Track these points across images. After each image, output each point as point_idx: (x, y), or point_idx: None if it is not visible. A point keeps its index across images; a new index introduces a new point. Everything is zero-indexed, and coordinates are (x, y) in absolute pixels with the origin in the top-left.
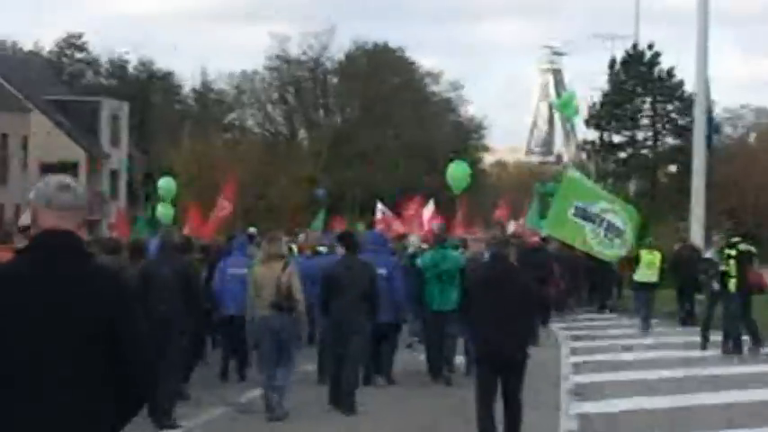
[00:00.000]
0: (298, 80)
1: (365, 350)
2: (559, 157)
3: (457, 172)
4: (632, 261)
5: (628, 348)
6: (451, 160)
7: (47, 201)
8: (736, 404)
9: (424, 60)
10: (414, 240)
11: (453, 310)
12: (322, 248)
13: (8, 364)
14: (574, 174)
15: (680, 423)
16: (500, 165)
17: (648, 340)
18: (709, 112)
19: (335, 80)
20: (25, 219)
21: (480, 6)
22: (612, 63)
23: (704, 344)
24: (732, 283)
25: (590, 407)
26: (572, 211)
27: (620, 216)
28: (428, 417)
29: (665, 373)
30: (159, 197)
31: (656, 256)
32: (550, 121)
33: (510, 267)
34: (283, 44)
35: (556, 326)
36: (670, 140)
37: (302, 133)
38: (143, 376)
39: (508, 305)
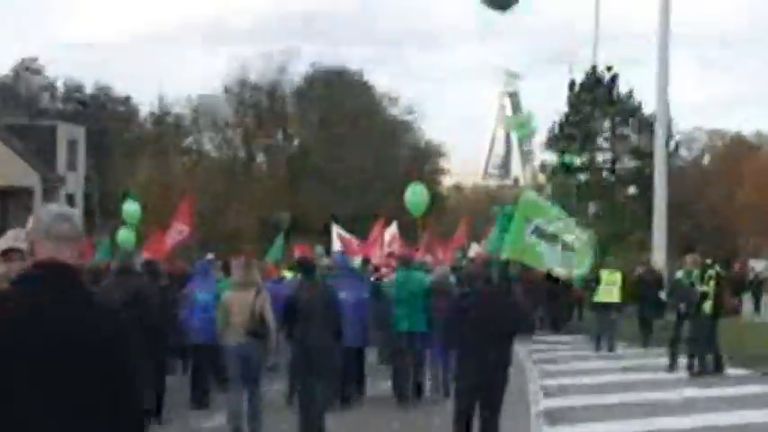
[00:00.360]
0: (256, 103)
1: (335, 375)
2: (517, 181)
3: (414, 196)
4: (592, 282)
5: (595, 371)
6: (408, 184)
7: (45, 231)
8: (711, 428)
9: (382, 83)
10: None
11: (421, 331)
12: (288, 273)
13: (15, 400)
14: (530, 194)
15: None
16: (458, 188)
17: (614, 362)
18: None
19: (294, 103)
20: (3, 242)
21: (438, 30)
22: (572, 85)
23: (672, 365)
24: (709, 305)
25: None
26: (530, 230)
27: (576, 237)
28: None
29: (636, 397)
30: (122, 221)
31: (617, 276)
32: (507, 145)
33: (494, 290)
34: (242, 67)
35: (517, 348)
36: (629, 162)
37: (260, 157)
38: (137, 413)
39: (492, 328)
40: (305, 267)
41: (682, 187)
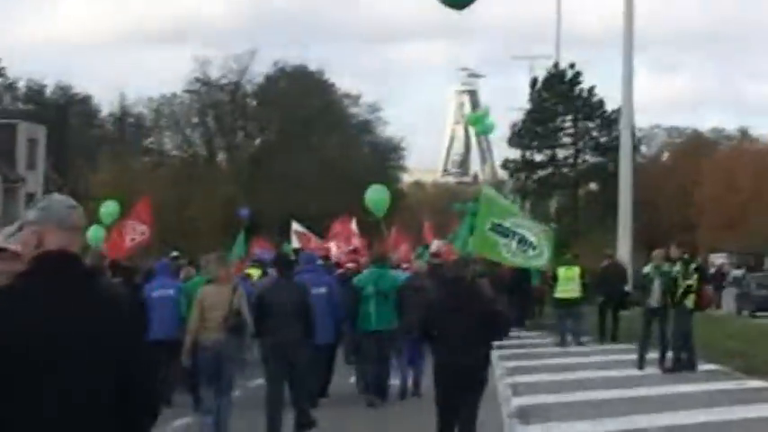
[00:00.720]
0: (217, 103)
1: (308, 370)
2: (476, 177)
3: (374, 196)
4: (551, 278)
5: (564, 367)
6: (370, 184)
7: (59, 221)
8: (685, 426)
9: (343, 82)
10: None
11: (390, 330)
12: (253, 271)
13: (33, 394)
14: (489, 191)
15: None
16: (418, 185)
17: (583, 359)
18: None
19: (255, 103)
20: None
21: (399, 29)
22: (534, 82)
23: (641, 363)
24: (691, 300)
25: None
26: (488, 226)
27: (533, 233)
28: None
29: (607, 394)
30: (97, 219)
31: (575, 272)
32: (466, 142)
33: (472, 288)
34: (204, 67)
35: None
36: (591, 158)
37: (221, 156)
38: (151, 404)
39: (470, 326)
40: (283, 264)
41: (641, 184)
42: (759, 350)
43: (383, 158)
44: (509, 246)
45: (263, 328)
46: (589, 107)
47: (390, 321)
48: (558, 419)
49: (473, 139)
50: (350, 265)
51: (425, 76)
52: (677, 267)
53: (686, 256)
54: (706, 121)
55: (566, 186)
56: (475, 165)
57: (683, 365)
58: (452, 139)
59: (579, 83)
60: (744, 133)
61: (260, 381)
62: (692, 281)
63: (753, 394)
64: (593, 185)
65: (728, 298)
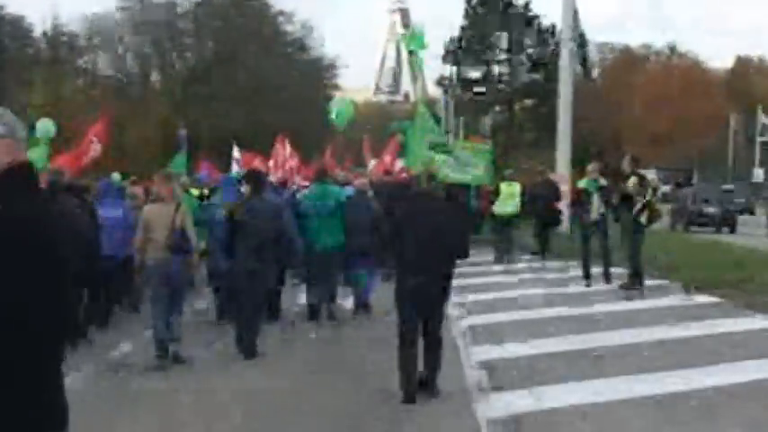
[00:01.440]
0: (151, 21)
1: (270, 294)
2: (407, 96)
3: (341, 107)
4: (491, 194)
5: (509, 286)
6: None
7: (21, 133)
8: (640, 344)
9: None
10: None
11: (336, 247)
12: (194, 191)
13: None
14: (424, 110)
15: (592, 366)
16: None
17: (525, 275)
18: (581, 42)
19: (190, 21)
20: None
21: None
22: None
23: (588, 279)
24: (645, 215)
25: (492, 352)
26: (426, 144)
27: (469, 152)
28: (334, 355)
29: (559, 312)
30: (33, 141)
31: (516, 188)
32: (398, 61)
33: (435, 201)
34: None
35: None
36: (526, 74)
37: (155, 75)
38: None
39: (433, 243)
40: (256, 180)
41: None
42: (700, 265)
43: (317, 77)
44: (447, 162)
45: (233, 249)
46: (525, 23)
47: (336, 239)
48: (512, 339)
49: (404, 58)
50: (304, 183)
51: None
52: (631, 182)
53: (640, 170)
54: (633, 38)
55: (501, 103)
56: (406, 83)
57: (634, 282)
58: (384, 58)
59: None
60: (672, 49)
61: (205, 304)
62: (649, 196)
63: (703, 310)
64: (528, 102)
65: None
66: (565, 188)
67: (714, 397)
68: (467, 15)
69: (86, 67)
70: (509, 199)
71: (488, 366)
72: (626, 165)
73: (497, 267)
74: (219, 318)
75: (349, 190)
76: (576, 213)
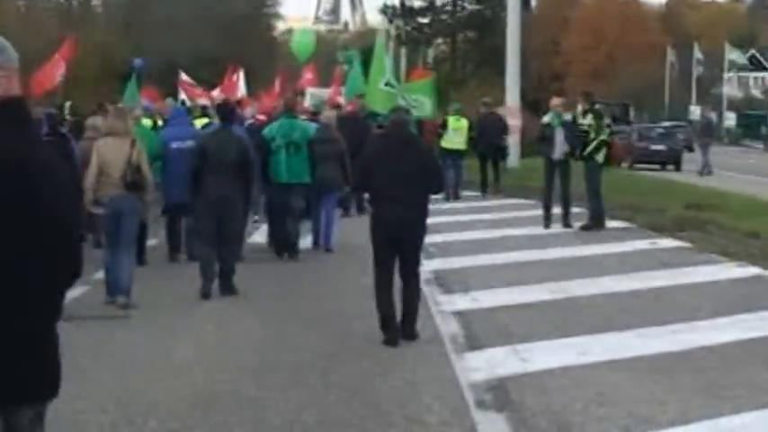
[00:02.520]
0: None
1: (242, 229)
2: (346, 25)
3: (303, 39)
4: (438, 127)
5: (465, 226)
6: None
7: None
8: (617, 294)
9: None
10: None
11: (301, 183)
12: (146, 121)
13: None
14: (381, 43)
15: (573, 321)
16: (290, 32)
17: (479, 216)
18: None
19: None
20: None
21: None
22: None
23: (548, 221)
24: (602, 154)
25: (460, 302)
26: (383, 81)
27: (415, 93)
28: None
29: (523, 256)
30: None
31: (463, 123)
32: None
33: (409, 137)
34: None
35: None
36: (469, 5)
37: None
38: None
39: (408, 177)
40: (227, 112)
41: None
42: (656, 204)
43: (258, 4)
44: (404, 99)
45: (200, 185)
46: None
47: (302, 174)
48: (480, 287)
49: None
50: (260, 116)
51: None
52: (587, 120)
53: (596, 106)
54: None
55: (444, 34)
56: (345, 13)
57: (594, 224)
58: None
59: None
60: None
61: (154, 241)
62: (605, 135)
63: (671, 255)
64: (471, 34)
65: None
66: (515, 122)
67: (707, 357)
68: None
69: None
70: (456, 133)
71: (462, 319)
72: (581, 102)
73: (446, 206)
74: (172, 256)
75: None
76: (541, 149)
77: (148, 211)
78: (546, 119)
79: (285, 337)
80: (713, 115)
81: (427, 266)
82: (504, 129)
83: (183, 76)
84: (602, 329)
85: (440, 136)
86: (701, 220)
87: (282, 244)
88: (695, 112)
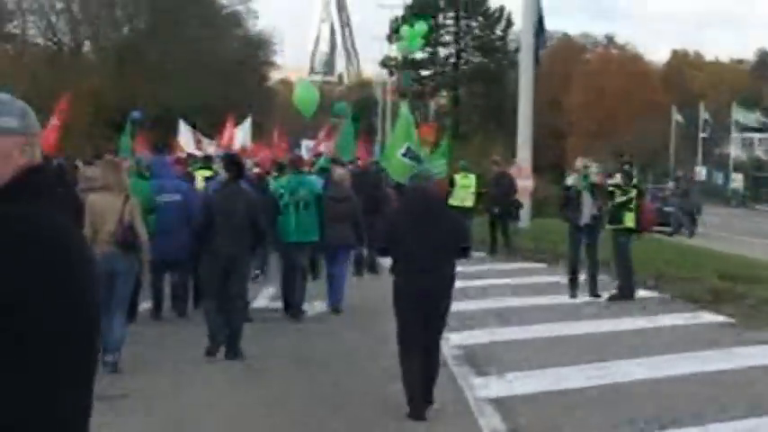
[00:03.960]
0: None
1: (247, 288)
2: (341, 77)
3: (305, 94)
4: (447, 184)
5: (485, 293)
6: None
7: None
8: (673, 379)
9: None
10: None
11: (311, 241)
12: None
13: None
14: (407, 112)
15: (621, 411)
16: (285, 83)
17: (497, 280)
18: (540, 24)
19: None
20: None
21: None
22: None
23: (574, 290)
24: (630, 217)
25: (495, 386)
26: (402, 152)
27: (441, 153)
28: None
29: (556, 330)
30: None
31: (471, 180)
32: (332, 42)
33: (434, 202)
34: None
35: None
36: (473, 58)
37: (87, 45)
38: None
39: (434, 244)
40: (236, 167)
41: (512, 89)
42: (685, 273)
43: (254, 53)
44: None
45: (207, 241)
46: (472, 3)
47: (311, 232)
48: (514, 367)
49: (339, 40)
50: (256, 170)
51: None
52: (615, 180)
53: (626, 166)
54: (571, 28)
55: (447, 87)
56: (340, 65)
57: (623, 293)
58: (318, 39)
59: None
60: (610, 39)
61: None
62: (632, 195)
63: (717, 333)
64: (475, 87)
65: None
66: (527, 183)
67: None
68: None
69: (16, 33)
70: (464, 191)
71: (502, 409)
72: (609, 161)
73: (458, 268)
74: (156, 314)
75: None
76: (564, 215)
77: (143, 270)
78: (570, 181)
79: (295, 413)
80: (719, 176)
81: (453, 340)
82: (514, 187)
83: (183, 126)
84: (664, 423)
85: (447, 194)
86: (738, 293)
87: (293, 299)
88: (701, 172)
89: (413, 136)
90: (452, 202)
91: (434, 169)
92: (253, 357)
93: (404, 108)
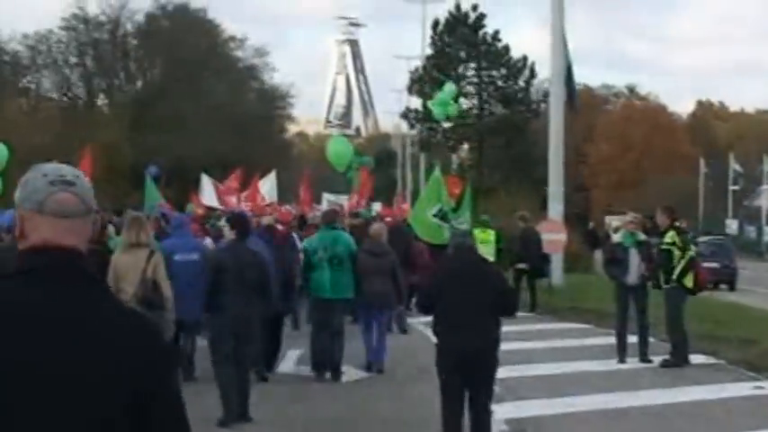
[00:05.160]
0: (96, 41)
1: (259, 351)
2: (358, 130)
3: (339, 148)
4: None
5: (527, 357)
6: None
7: (38, 203)
8: None
9: (227, 26)
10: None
11: (345, 298)
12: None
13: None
14: (438, 174)
15: None
16: (302, 136)
17: (537, 344)
18: (569, 72)
19: (136, 42)
20: None
21: None
22: (435, 24)
23: (623, 354)
24: (690, 278)
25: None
26: (433, 212)
27: (466, 205)
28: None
29: (612, 400)
30: None
31: (490, 235)
32: (348, 94)
33: (479, 260)
34: (80, 2)
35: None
36: (496, 109)
37: (102, 98)
38: None
39: (479, 302)
40: (239, 224)
41: (534, 141)
42: (739, 334)
43: (271, 106)
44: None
45: (216, 303)
46: (494, 53)
47: (346, 289)
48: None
49: (355, 92)
50: (279, 226)
51: (309, 24)
52: (669, 237)
53: (680, 224)
54: (591, 79)
55: (470, 140)
56: (357, 117)
57: (676, 358)
58: (334, 91)
59: (483, 26)
60: (632, 90)
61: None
62: (692, 254)
63: None
64: (498, 139)
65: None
66: (560, 237)
67: None
68: (433, 44)
69: (30, 87)
70: (484, 246)
71: None
72: (660, 218)
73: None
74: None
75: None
76: (611, 274)
77: (168, 331)
78: (617, 238)
79: None
80: (751, 229)
81: (498, 413)
82: (540, 244)
83: (206, 179)
84: None
85: None
86: None
87: (324, 363)
88: (732, 225)
89: (444, 197)
90: None
91: (463, 225)
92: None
93: (436, 171)
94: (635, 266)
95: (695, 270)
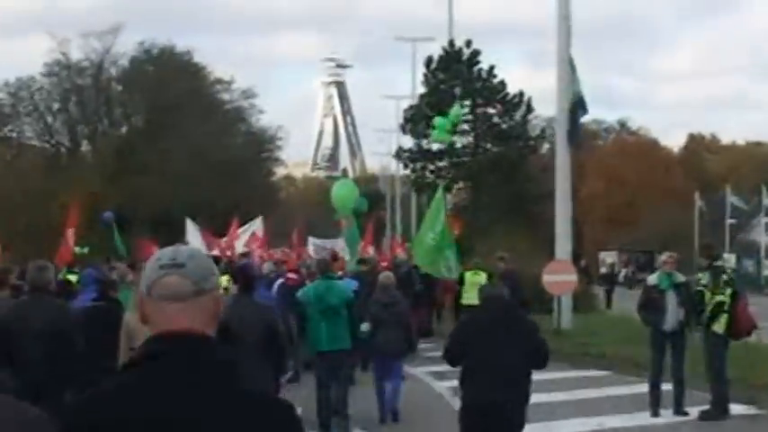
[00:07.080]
0: (80, 87)
1: None
2: (345, 172)
3: (344, 192)
4: (457, 283)
5: (547, 411)
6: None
7: (147, 287)
8: None
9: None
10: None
11: (344, 349)
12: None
13: None
14: (441, 196)
15: None
16: (289, 179)
17: (555, 395)
18: (574, 111)
19: (120, 87)
20: None
21: (270, 17)
22: (429, 62)
23: (656, 406)
24: (723, 321)
25: None
26: (431, 235)
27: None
28: None
29: None
30: None
31: (482, 277)
32: (335, 136)
33: (510, 311)
34: (63, 47)
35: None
36: (492, 147)
37: (85, 145)
38: None
39: (514, 356)
40: (242, 277)
41: (524, 177)
42: None
43: (258, 149)
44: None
45: None
46: (489, 90)
47: (343, 340)
48: None
49: (342, 134)
50: (290, 275)
51: (296, 66)
52: (703, 278)
53: (717, 262)
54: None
55: (465, 178)
56: (344, 159)
57: (716, 410)
58: (321, 133)
59: (477, 63)
60: (623, 125)
61: None
62: (725, 296)
63: None
64: (494, 178)
65: (621, 299)
66: (566, 278)
67: None
68: (426, 81)
69: (12, 136)
70: (475, 288)
71: None
72: (699, 258)
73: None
74: None
75: (352, 283)
76: (644, 317)
77: None
78: (653, 280)
79: None
80: (749, 263)
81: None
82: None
83: (191, 226)
84: None
85: (458, 293)
86: None
87: (329, 414)
88: (729, 260)
89: (442, 220)
90: (463, 301)
91: (448, 260)
92: None
93: (439, 192)
94: (672, 311)
95: (732, 314)
